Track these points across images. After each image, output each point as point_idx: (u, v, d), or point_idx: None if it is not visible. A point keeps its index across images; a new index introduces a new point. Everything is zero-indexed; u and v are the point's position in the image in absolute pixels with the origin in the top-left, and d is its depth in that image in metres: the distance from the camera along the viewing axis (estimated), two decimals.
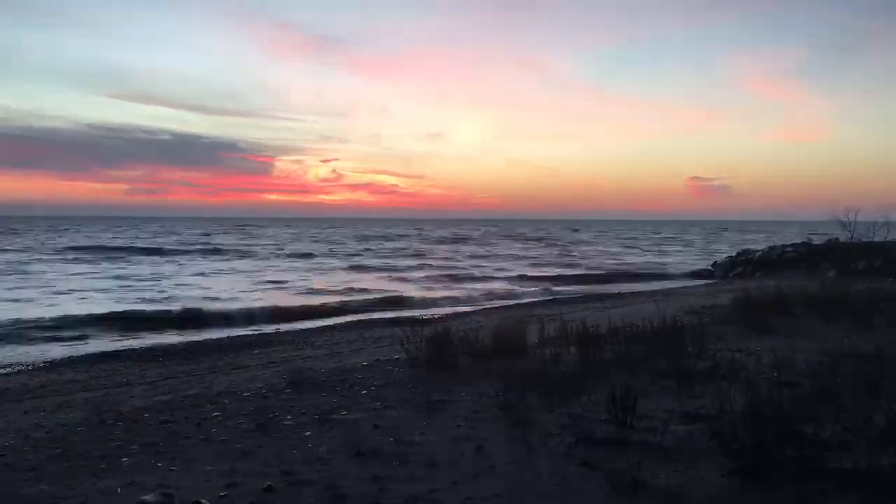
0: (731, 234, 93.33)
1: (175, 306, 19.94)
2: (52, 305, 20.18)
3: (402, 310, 20.74)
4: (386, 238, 77.90)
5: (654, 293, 22.94)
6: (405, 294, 24.86)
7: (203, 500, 3.72)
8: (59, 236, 69.31)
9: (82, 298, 22.22)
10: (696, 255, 50.46)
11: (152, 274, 31.33)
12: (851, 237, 28.57)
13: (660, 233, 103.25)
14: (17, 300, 21.45)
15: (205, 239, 67.91)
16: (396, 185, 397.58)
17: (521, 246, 63.54)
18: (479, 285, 29.13)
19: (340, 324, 17.36)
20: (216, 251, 50.11)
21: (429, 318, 16.85)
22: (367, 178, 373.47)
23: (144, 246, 53.60)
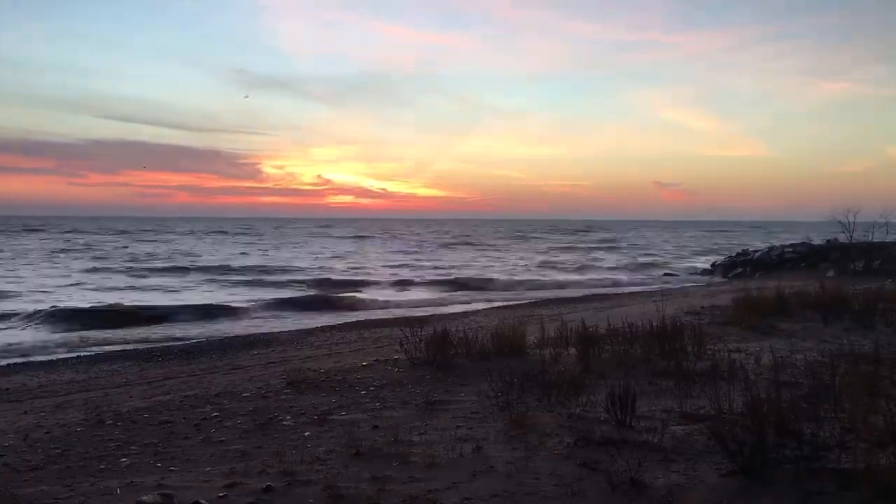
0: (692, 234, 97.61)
1: None
2: None
3: None
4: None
5: (653, 293, 22.93)
6: None
7: (202, 501, 3.72)
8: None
9: None
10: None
11: None
12: (850, 238, 28.60)
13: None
14: None
15: None
16: (385, 189, 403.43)
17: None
18: None
19: (340, 324, 17.36)
20: None
21: (428, 319, 16.84)
22: (357, 181, 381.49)
23: None
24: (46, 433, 6.07)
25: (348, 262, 41.78)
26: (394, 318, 18.03)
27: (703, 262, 40.06)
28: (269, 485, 3.97)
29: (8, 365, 12.24)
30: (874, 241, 26.95)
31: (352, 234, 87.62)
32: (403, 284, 29.75)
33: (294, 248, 58.72)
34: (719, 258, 38.48)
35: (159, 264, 38.34)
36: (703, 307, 13.95)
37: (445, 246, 63.23)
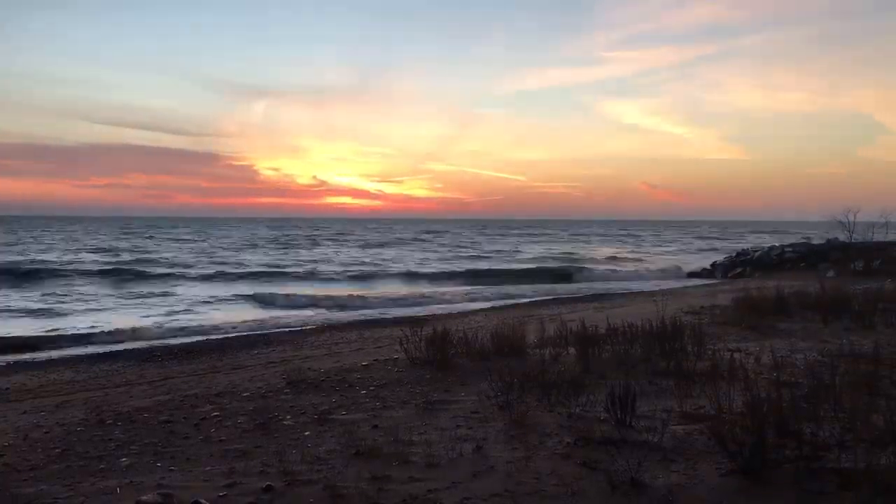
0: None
1: None
2: None
3: None
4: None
5: (653, 293, 22.94)
6: None
7: (202, 500, 3.72)
8: None
9: None
10: None
11: None
12: (850, 238, 28.64)
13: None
14: None
15: None
16: (382, 190, 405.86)
17: None
18: None
19: (340, 324, 17.36)
20: None
21: (428, 318, 16.84)
22: (352, 183, 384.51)
23: None
24: (46, 433, 6.07)
25: None
26: (394, 318, 18.03)
27: (701, 263, 40.05)
28: (269, 484, 3.97)
29: (8, 365, 12.25)
30: (874, 240, 26.98)
31: None
32: None
33: None
34: (719, 258, 38.48)
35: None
36: (703, 307, 13.95)
37: None
